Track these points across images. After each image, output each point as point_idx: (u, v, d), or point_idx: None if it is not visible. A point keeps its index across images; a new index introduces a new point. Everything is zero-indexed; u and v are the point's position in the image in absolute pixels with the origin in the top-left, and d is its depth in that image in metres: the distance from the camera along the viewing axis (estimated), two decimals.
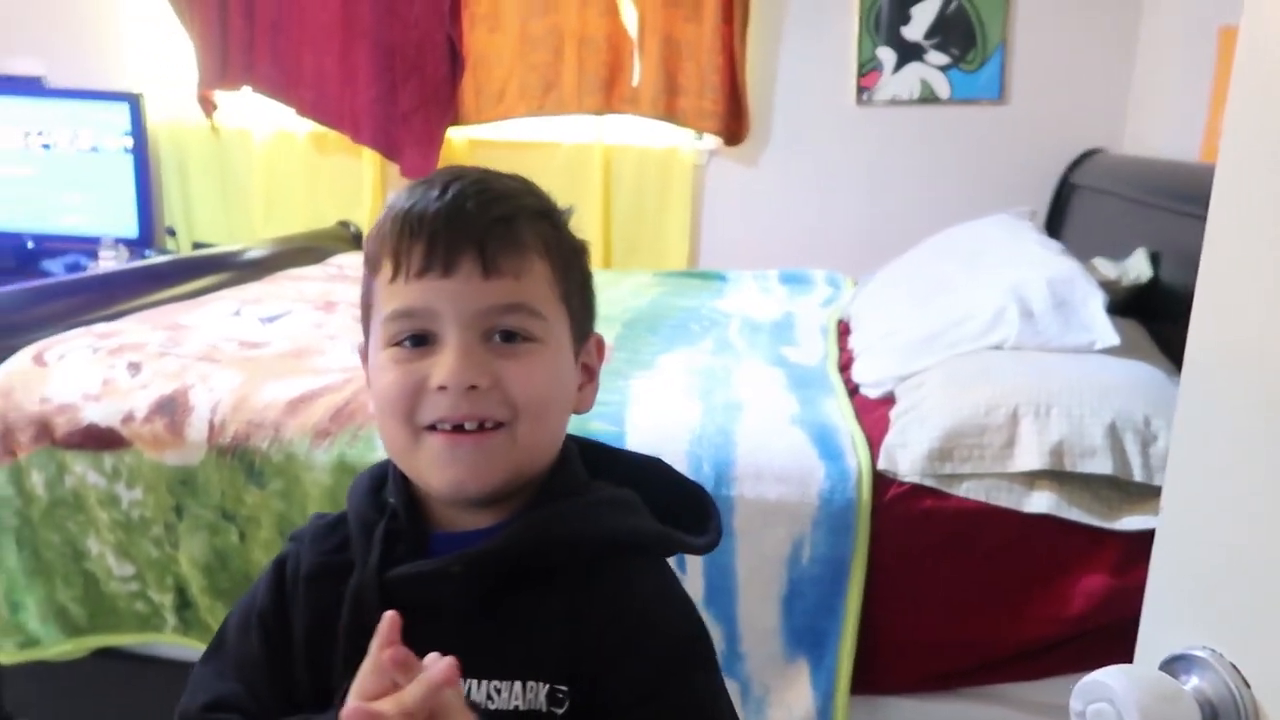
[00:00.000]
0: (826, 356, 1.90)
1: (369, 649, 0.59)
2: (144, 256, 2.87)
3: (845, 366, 1.83)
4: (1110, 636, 1.23)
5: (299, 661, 0.71)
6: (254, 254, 2.56)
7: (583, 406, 0.75)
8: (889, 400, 1.59)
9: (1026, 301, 1.60)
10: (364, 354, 0.74)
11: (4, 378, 1.59)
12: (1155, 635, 0.66)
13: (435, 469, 0.67)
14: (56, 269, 2.86)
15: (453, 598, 0.67)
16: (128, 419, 1.52)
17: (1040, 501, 1.32)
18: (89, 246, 2.94)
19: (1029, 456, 1.33)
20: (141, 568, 1.55)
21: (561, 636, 0.67)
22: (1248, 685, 0.58)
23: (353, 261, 2.70)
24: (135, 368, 1.60)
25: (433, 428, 0.66)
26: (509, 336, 0.67)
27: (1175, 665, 0.62)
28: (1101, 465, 1.30)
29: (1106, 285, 1.74)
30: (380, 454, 1.43)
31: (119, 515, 1.53)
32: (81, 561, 1.57)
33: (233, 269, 2.42)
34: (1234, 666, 0.60)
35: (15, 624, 1.56)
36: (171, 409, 1.52)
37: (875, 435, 1.45)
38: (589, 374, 0.76)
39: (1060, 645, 1.32)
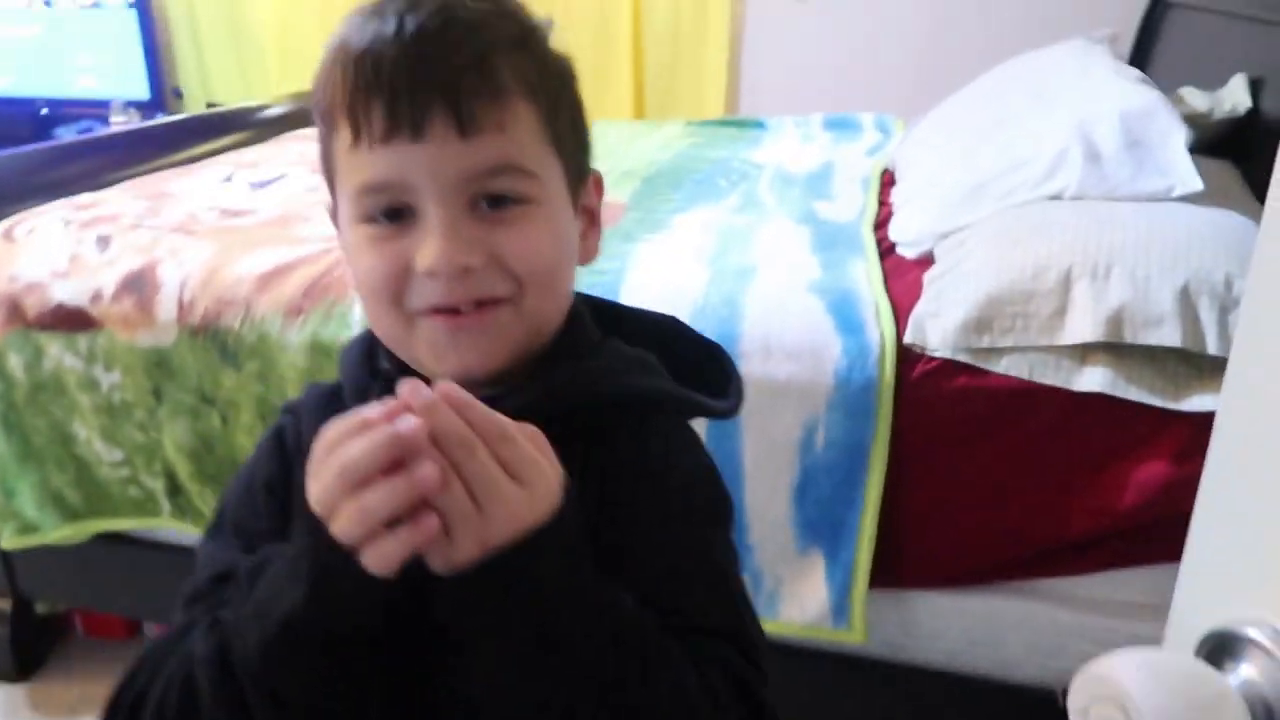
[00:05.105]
0: (863, 212, 1.70)
1: None
2: (155, 120, 2.74)
3: (884, 223, 1.62)
4: (1168, 533, 1.06)
5: None
6: (262, 114, 2.41)
7: (587, 257, 0.67)
8: (927, 261, 1.39)
9: (1093, 141, 1.36)
10: (334, 215, 0.65)
11: None
12: (1193, 603, 0.49)
13: (435, 355, 0.60)
14: (69, 136, 2.76)
15: None
16: (96, 298, 1.42)
17: (1093, 378, 1.13)
18: (101, 112, 2.83)
19: (1082, 327, 1.13)
20: (129, 453, 1.48)
21: (577, 492, 0.59)
22: None
23: None
24: (104, 241, 1.49)
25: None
26: (497, 201, 0.58)
27: (1217, 646, 0.46)
28: (1169, 336, 1.11)
29: (1194, 119, 1.49)
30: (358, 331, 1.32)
31: (100, 399, 1.45)
32: (71, 446, 1.51)
33: (235, 130, 2.28)
34: None
35: (11, 510, 1.52)
36: (139, 286, 1.41)
37: (906, 303, 1.27)
38: (590, 218, 0.67)
39: (1108, 540, 1.16)
